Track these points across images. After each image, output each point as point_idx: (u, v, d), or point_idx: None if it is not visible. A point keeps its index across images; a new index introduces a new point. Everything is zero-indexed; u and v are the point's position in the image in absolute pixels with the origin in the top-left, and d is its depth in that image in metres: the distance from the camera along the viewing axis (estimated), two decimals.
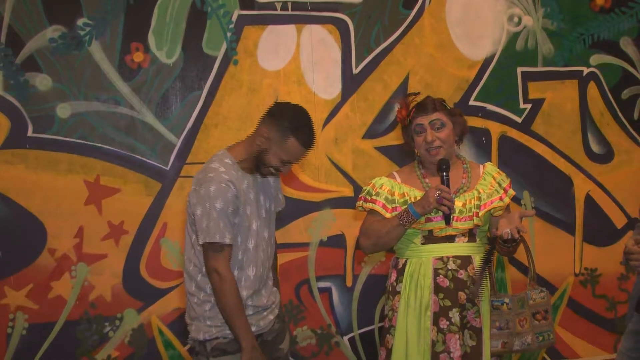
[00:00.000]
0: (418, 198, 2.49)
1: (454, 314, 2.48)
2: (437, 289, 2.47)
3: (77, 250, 3.35)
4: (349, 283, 3.63)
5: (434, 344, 2.46)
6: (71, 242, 3.34)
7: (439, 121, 2.52)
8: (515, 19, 3.83)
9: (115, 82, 3.35)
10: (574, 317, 3.98)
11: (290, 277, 3.56)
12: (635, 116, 4.02)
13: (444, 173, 2.49)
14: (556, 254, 3.94)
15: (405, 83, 3.66)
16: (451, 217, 2.48)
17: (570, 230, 3.98)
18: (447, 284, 2.49)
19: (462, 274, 2.50)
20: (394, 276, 2.59)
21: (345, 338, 3.65)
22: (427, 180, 2.58)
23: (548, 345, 2.70)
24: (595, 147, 4.02)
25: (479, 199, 2.50)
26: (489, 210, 2.51)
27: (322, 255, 3.61)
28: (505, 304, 2.59)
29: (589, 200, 4.02)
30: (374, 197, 2.55)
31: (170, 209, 3.43)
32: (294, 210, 3.54)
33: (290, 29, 3.51)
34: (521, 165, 3.83)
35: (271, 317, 2.49)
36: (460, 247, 2.53)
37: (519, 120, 3.86)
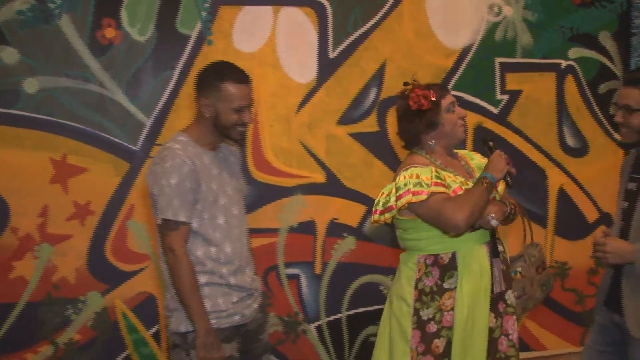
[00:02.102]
0: (457, 182, 2.67)
1: (510, 296, 2.73)
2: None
3: (41, 230, 3.57)
4: (318, 270, 3.93)
5: (492, 330, 2.66)
6: (35, 222, 3.56)
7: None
8: (496, 9, 4.15)
9: (85, 59, 3.56)
10: (543, 310, 4.34)
11: (258, 263, 3.69)
12: (611, 111, 4.34)
13: (490, 142, 2.79)
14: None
15: (382, 69, 3.95)
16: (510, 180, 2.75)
17: (542, 223, 4.33)
18: (501, 265, 2.72)
19: (505, 252, 2.78)
20: (436, 274, 2.66)
21: (312, 326, 3.96)
22: (451, 168, 2.73)
23: (550, 291, 3.01)
24: (570, 141, 4.40)
25: None
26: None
27: (292, 241, 3.89)
28: (518, 273, 2.86)
29: (562, 193, 4.40)
30: (428, 183, 2.58)
31: (138, 190, 3.66)
32: (265, 195, 3.83)
33: (267, 10, 3.76)
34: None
35: (255, 305, 2.71)
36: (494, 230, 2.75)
37: (496, 111, 4.19)
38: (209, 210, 2.57)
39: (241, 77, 2.61)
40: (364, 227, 4.04)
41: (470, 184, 2.70)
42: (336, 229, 3.97)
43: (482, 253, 2.71)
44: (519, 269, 2.90)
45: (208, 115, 2.59)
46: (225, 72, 2.60)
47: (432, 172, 2.62)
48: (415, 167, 2.66)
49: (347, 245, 3.99)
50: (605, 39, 4.44)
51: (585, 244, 4.26)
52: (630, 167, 3.02)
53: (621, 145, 4.39)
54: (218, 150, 2.70)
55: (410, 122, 2.72)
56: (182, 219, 2.50)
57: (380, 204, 2.69)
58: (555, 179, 4.41)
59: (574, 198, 4.47)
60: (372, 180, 3.98)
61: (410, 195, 2.57)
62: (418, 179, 2.58)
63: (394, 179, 2.69)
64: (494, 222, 2.68)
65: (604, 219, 4.43)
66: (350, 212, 3.99)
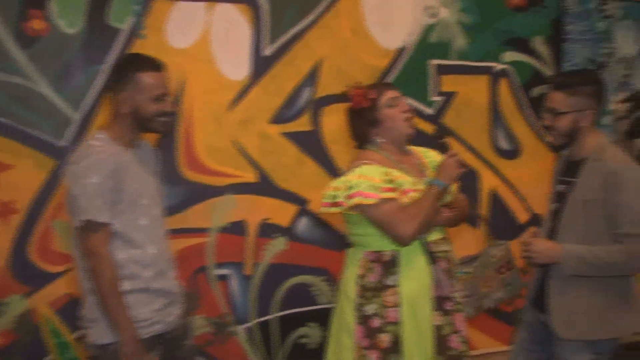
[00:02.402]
0: (407, 182, 2.76)
1: (456, 294, 2.80)
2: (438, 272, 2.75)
3: None
4: (248, 271, 3.93)
5: (439, 328, 2.73)
6: None
7: (404, 98, 2.87)
8: (432, 11, 4.22)
9: (11, 50, 3.47)
10: None
11: (187, 264, 3.79)
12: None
13: (443, 139, 2.86)
14: (461, 247, 4.41)
15: (317, 68, 3.97)
16: None
17: (476, 224, 4.41)
18: (446, 265, 2.79)
19: (452, 254, 2.84)
20: (378, 271, 2.74)
21: (242, 327, 3.96)
22: (404, 165, 2.82)
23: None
24: (503, 143, 4.51)
25: None
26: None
27: (222, 242, 3.87)
28: (466, 273, 2.95)
29: (494, 195, 4.51)
30: (380, 186, 2.66)
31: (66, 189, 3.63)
32: (195, 194, 3.80)
33: (201, 6, 3.73)
34: None
35: (178, 311, 2.68)
36: (440, 228, 2.85)
37: (430, 112, 4.26)
38: (131, 211, 2.53)
39: (156, 65, 2.59)
40: (296, 228, 4.05)
41: (421, 185, 2.78)
42: (267, 230, 3.98)
43: (421, 252, 2.79)
44: (469, 270, 2.98)
45: (127, 111, 2.55)
46: (139, 62, 2.58)
47: (383, 174, 2.70)
48: (368, 164, 2.75)
49: (278, 245, 4.01)
50: (539, 44, 4.57)
51: (518, 245, 4.28)
52: (560, 170, 3.12)
53: (553, 149, 4.45)
54: (137, 148, 2.66)
55: (355, 121, 2.86)
56: (104, 219, 2.44)
57: (329, 196, 2.78)
58: (488, 181, 4.51)
59: (506, 200, 4.58)
60: (304, 180, 4.01)
61: (361, 197, 2.65)
62: (370, 181, 2.66)
63: (347, 173, 2.78)
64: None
65: (536, 220, 4.53)
66: (282, 212, 4.00)
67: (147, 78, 2.53)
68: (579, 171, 2.96)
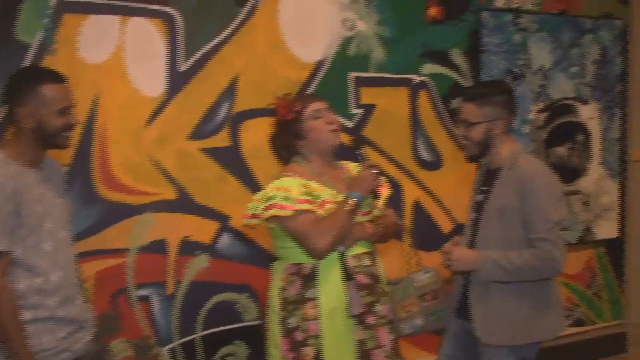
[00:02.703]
0: (326, 194, 2.79)
1: (379, 308, 2.82)
2: (359, 287, 2.76)
3: None
4: (170, 291, 3.86)
5: (361, 342, 2.75)
6: None
7: (331, 109, 2.92)
8: (349, 23, 4.25)
9: None
10: None
11: (106, 286, 3.70)
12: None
13: (360, 150, 2.90)
14: (386, 260, 4.45)
15: (234, 83, 3.95)
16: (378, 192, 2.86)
17: (399, 235, 4.38)
18: (367, 280, 2.81)
19: (375, 269, 2.88)
20: (299, 284, 2.77)
21: (165, 349, 3.88)
22: (326, 177, 2.86)
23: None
24: (424, 154, 4.57)
25: None
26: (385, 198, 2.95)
27: (142, 261, 3.79)
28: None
29: (417, 206, 4.57)
30: (295, 198, 2.70)
31: None
32: (112, 213, 3.71)
33: (114, 20, 3.66)
34: None
35: (87, 338, 2.58)
36: (366, 243, 2.88)
37: (351, 124, 4.28)
38: (33, 236, 2.41)
39: (58, 77, 2.50)
40: (218, 244, 4.01)
41: (340, 197, 2.80)
42: (189, 247, 3.92)
43: (338, 267, 2.80)
44: (389, 291, 3.00)
45: (29, 127, 2.44)
46: (40, 74, 2.49)
47: (301, 185, 2.73)
48: (287, 177, 2.80)
49: (200, 263, 3.95)
50: (457, 56, 4.65)
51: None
52: (479, 180, 3.19)
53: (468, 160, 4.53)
54: (41, 167, 2.55)
55: (279, 134, 2.91)
56: (3, 247, 2.33)
57: (250, 208, 2.81)
58: (411, 192, 4.55)
59: (429, 210, 4.64)
60: (225, 196, 3.97)
61: (277, 209, 2.68)
62: (286, 192, 2.70)
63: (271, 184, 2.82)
64: (340, 249, 2.78)
65: (459, 229, 4.46)
66: (203, 229, 3.95)
67: (49, 91, 2.43)
68: (495, 180, 3.02)
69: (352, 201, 2.76)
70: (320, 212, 2.76)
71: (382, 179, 3.07)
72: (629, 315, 5.58)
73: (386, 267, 3.14)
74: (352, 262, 2.82)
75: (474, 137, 3.05)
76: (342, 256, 2.79)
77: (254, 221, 2.83)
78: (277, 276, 2.88)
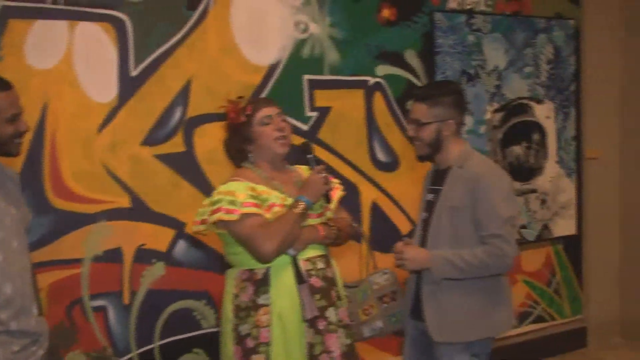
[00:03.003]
0: (274, 197, 2.77)
1: (331, 313, 2.80)
2: (312, 290, 2.76)
3: None
4: (126, 300, 3.81)
5: (311, 346, 2.74)
6: None
7: (283, 115, 2.91)
8: (302, 26, 4.25)
9: None
10: None
11: (60, 298, 3.64)
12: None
13: (310, 154, 2.88)
14: (344, 263, 4.44)
15: (187, 87, 3.92)
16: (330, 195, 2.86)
17: (357, 238, 4.27)
18: (321, 283, 2.80)
19: (329, 272, 2.87)
20: (251, 290, 2.75)
21: (124, 359, 3.83)
22: (276, 181, 2.86)
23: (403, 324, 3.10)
24: (381, 156, 4.59)
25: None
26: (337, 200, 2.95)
27: (97, 271, 3.73)
28: (344, 297, 2.95)
29: (375, 208, 4.58)
30: (241, 201, 2.68)
31: None
32: (65, 223, 3.65)
33: (62, 25, 3.61)
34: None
35: (41, 352, 2.51)
36: (319, 246, 2.88)
37: (306, 128, 4.28)
38: None
39: (5, 84, 2.45)
40: (174, 252, 3.97)
41: (290, 201, 2.79)
42: (144, 255, 3.88)
43: (291, 270, 2.80)
44: (348, 295, 3.01)
45: None
46: None
47: (248, 189, 2.72)
48: (235, 181, 2.77)
49: (156, 271, 3.90)
50: (411, 57, 4.69)
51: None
52: (429, 179, 3.22)
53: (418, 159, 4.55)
54: None
55: (230, 137, 2.91)
56: None
57: (199, 214, 2.79)
58: (368, 194, 4.57)
59: (387, 212, 4.66)
60: (180, 202, 3.93)
61: (222, 213, 2.66)
62: (232, 196, 2.68)
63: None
64: (291, 252, 2.79)
65: None
66: (158, 237, 3.91)
67: None
68: (445, 179, 3.04)
69: (301, 204, 2.76)
70: (268, 215, 2.75)
71: (334, 181, 3.10)
72: (588, 311, 5.67)
73: (345, 270, 3.16)
74: (305, 266, 2.82)
75: (424, 137, 3.08)
76: (294, 259, 2.79)
77: (202, 227, 2.81)
78: (230, 283, 2.87)
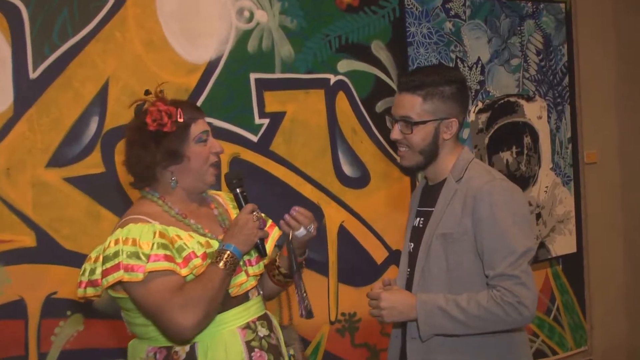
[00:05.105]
0: (193, 244, 2.26)
1: None
2: None
3: None
4: None
5: None
6: None
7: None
8: (246, 14, 3.90)
9: None
10: None
11: None
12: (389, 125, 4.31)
13: (239, 189, 2.42)
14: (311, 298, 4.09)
15: (104, 91, 3.51)
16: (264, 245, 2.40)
17: (323, 270, 4.13)
18: (266, 357, 2.37)
19: (273, 338, 2.42)
20: None
21: None
22: (191, 219, 2.36)
23: None
24: (347, 170, 4.26)
25: None
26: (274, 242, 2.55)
27: None
28: (292, 357, 2.59)
29: (343, 232, 4.22)
30: (147, 254, 2.16)
31: None
32: None
33: None
34: (259, 194, 3.78)
35: None
36: (258, 304, 2.44)
37: (255, 139, 3.93)
38: None
39: None
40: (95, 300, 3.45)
41: (216, 245, 2.30)
42: (56, 307, 3.42)
43: (234, 341, 2.30)
44: (291, 352, 2.64)
45: None
46: None
47: (155, 234, 2.17)
48: (136, 221, 2.24)
49: (72, 326, 3.45)
50: (379, 50, 4.40)
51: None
52: (417, 200, 2.73)
53: (404, 171, 4.27)
54: None
55: (145, 147, 2.30)
56: None
57: (87, 273, 2.25)
58: (334, 216, 4.23)
59: (357, 236, 4.32)
60: (99, 236, 3.33)
61: (122, 271, 2.14)
62: (135, 246, 2.16)
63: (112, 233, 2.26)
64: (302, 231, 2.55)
65: (394, 257, 4.30)
66: (73, 283, 3.25)
67: None
68: (437, 197, 2.55)
69: (227, 255, 2.24)
70: (184, 272, 2.19)
71: (268, 221, 2.65)
72: (592, 340, 5.52)
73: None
74: (244, 336, 2.35)
75: (416, 142, 2.51)
76: (289, 242, 2.50)
77: (91, 292, 2.26)
78: None
